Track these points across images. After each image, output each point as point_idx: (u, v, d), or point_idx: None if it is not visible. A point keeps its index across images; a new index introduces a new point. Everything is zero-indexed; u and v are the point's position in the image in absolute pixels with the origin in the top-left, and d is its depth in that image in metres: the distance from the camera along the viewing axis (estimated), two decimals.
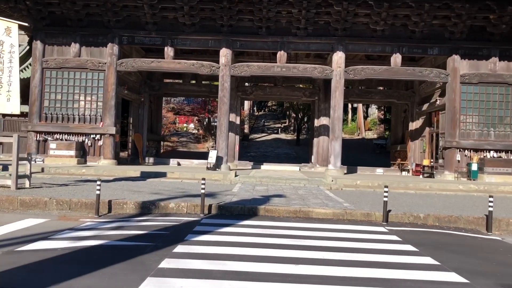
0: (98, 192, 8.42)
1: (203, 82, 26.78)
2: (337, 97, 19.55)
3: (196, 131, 53.31)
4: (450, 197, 13.33)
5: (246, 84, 25.62)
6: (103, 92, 19.88)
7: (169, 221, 7.94)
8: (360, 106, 56.31)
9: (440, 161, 20.80)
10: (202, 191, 8.79)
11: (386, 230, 7.93)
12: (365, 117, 60.13)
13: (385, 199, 8.67)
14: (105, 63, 19.82)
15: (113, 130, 19.66)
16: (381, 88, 28.08)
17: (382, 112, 53.10)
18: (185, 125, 57.16)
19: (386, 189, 8.75)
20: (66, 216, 8.30)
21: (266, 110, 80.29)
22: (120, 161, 21.56)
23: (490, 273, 5.41)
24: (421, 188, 15.83)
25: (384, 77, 20.17)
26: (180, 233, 6.89)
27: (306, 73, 19.72)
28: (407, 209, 9.79)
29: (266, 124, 68.04)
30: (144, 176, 16.04)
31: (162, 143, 42.79)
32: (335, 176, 17.06)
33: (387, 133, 51.27)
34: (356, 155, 39.00)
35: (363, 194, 13.03)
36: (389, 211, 9.02)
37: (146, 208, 8.98)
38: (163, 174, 16.27)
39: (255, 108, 77.12)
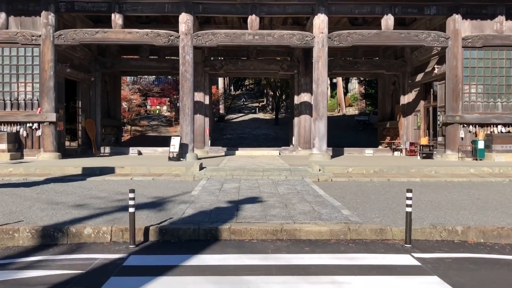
0: None
1: (167, 57, 23.36)
2: (320, 68, 16.55)
3: (168, 114, 49.89)
4: (467, 187, 10.62)
5: (215, 58, 22.35)
6: (39, 71, 16.43)
7: (70, 266, 4.90)
8: (339, 81, 53.55)
9: (440, 139, 18.16)
10: (131, 209, 5.72)
11: (416, 263, 5.07)
12: (345, 93, 57.50)
13: (409, 209, 5.78)
14: (40, 36, 16.33)
15: (53, 117, 16.30)
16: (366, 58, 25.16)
17: (363, 86, 50.49)
18: (158, 107, 53.59)
19: (409, 195, 5.85)
20: None
21: (244, 89, 77.00)
22: (68, 153, 18.28)
23: None
24: (426, 174, 13.14)
25: (374, 43, 17.21)
26: None
27: (283, 41, 16.60)
28: (429, 214, 6.96)
29: (244, 103, 64.94)
30: (86, 173, 12.88)
31: (127, 128, 39.43)
32: (321, 163, 14.19)
33: (369, 108, 48.79)
34: (338, 133, 36.30)
35: (361, 188, 10.20)
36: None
37: (49, 237, 5.90)
38: (110, 170, 13.12)
39: (231, 87, 73.78)
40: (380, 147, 24.68)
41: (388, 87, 24.32)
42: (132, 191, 5.84)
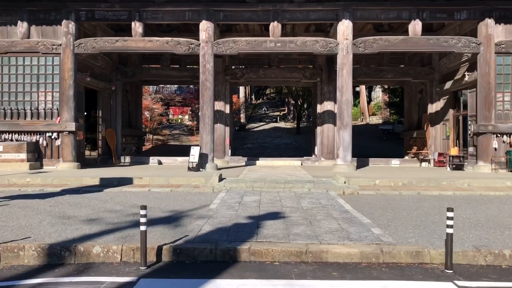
0: None
1: (188, 66, 23.12)
2: (345, 75, 15.97)
3: (190, 123, 49.89)
4: (506, 202, 9.86)
5: (236, 67, 22.01)
6: (59, 80, 16.33)
7: None
8: (363, 89, 52.68)
9: (471, 149, 17.28)
10: (142, 227, 5.26)
11: None
12: (368, 102, 56.49)
13: (450, 230, 5.16)
14: (60, 45, 16.26)
15: (72, 126, 16.14)
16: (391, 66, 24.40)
17: (388, 95, 49.48)
18: (180, 116, 53.75)
19: (450, 214, 5.23)
20: None
21: (265, 98, 76.67)
22: (88, 163, 18.10)
23: None
24: (459, 187, 12.37)
25: (401, 49, 16.53)
26: None
27: (306, 48, 16.11)
28: (470, 233, 6.31)
29: (265, 112, 64.57)
30: (104, 184, 12.57)
31: (149, 137, 39.46)
32: (346, 175, 13.56)
33: (393, 117, 47.72)
34: (361, 142, 35.40)
35: (390, 203, 9.54)
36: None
37: (56, 256, 5.49)
38: (128, 181, 12.80)
39: (252, 96, 73.58)
40: (406, 157, 23.80)
41: (415, 95, 23.50)
42: (144, 207, 5.38)
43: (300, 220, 7.29)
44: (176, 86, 56.85)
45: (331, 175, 14.02)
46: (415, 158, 21.50)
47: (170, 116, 53.20)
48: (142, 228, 5.26)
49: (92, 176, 13.42)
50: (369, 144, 37.10)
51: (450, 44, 15.84)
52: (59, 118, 16.25)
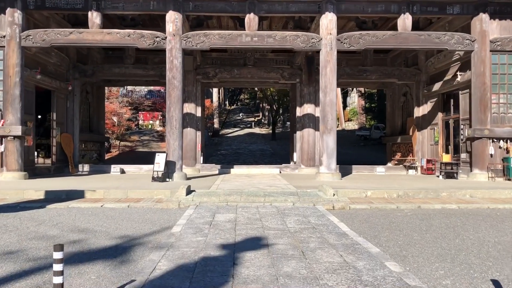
0: None
1: (155, 66, 21.09)
2: (328, 74, 14.40)
3: (161, 128, 47.69)
4: None
5: (208, 65, 20.20)
6: (3, 77, 14.16)
7: None
8: (338, 94, 51.60)
9: (463, 155, 15.97)
10: (57, 279, 3.39)
11: None
12: (343, 107, 55.56)
13: None
14: (4, 37, 14.10)
15: (18, 130, 13.98)
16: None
17: (364, 99, 48.57)
18: (150, 122, 51.46)
19: None
20: None
21: (239, 104, 75.03)
22: (39, 172, 15.93)
23: None
24: (461, 199, 10.94)
25: (390, 45, 15.07)
26: None
27: (286, 43, 14.46)
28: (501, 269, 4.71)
29: (241, 118, 62.97)
30: (49, 198, 10.56)
31: (116, 143, 37.11)
32: (332, 184, 11.91)
33: (371, 122, 46.79)
34: (338, 149, 33.88)
35: (391, 220, 7.93)
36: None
37: None
38: (79, 194, 10.79)
39: (226, 102, 71.85)
40: (389, 164, 22.48)
41: (398, 98, 22.22)
42: (60, 248, 3.50)
43: (290, 250, 5.54)
44: (146, 90, 54.51)
45: (315, 185, 12.36)
46: (400, 165, 20.13)
47: (140, 122, 50.96)
48: (56, 280, 3.40)
49: (37, 188, 11.34)
50: (346, 150, 35.82)
51: (443, 40, 14.49)
52: (2, 121, 14.06)
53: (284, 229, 6.91)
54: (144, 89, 54.43)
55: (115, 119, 37.54)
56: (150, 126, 50.32)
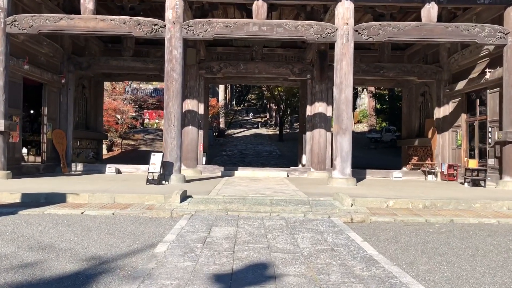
0: None
1: (155, 59, 19.77)
2: (344, 68, 12.99)
3: None
4: None
5: (212, 60, 18.87)
6: None
7: None
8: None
9: (491, 161, 14.49)
10: None
11: None
12: (353, 109, 54.08)
13: None
14: None
15: (1, 125, 12.70)
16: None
17: (375, 101, 47.10)
18: (156, 121, 50.32)
19: None
20: None
21: (246, 104, 73.73)
22: (26, 171, 14.71)
23: None
24: (497, 211, 9.51)
25: (412, 38, 13.56)
26: None
27: (297, 33, 13.06)
28: None
29: (246, 118, 61.73)
30: (26, 202, 9.28)
31: (118, 141, 35.92)
32: (347, 191, 10.48)
33: (382, 124, 45.26)
34: None
35: (424, 239, 6.52)
36: None
37: None
38: (60, 198, 9.49)
39: (233, 102, 70.64)
40: (404, 168, 21.00)
41: (416, 99, 20.73)
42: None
43: (304, 285, 4.16)
44: (151, 88, 53.34)
45: (328, 191, 10.95)
46: (418, 170, 18.64)
47: (146, 120, 49.94)
48: None
49: (14, 190, 10.06)
50: (356, 154, 34.21)
51: (472, 33, 13.02)
52: None
53: (295, 252, 5.52)
54: (149, 87, 53.37)
55: (118, 116, 36.37)
56: (155, 125, 49.25)
